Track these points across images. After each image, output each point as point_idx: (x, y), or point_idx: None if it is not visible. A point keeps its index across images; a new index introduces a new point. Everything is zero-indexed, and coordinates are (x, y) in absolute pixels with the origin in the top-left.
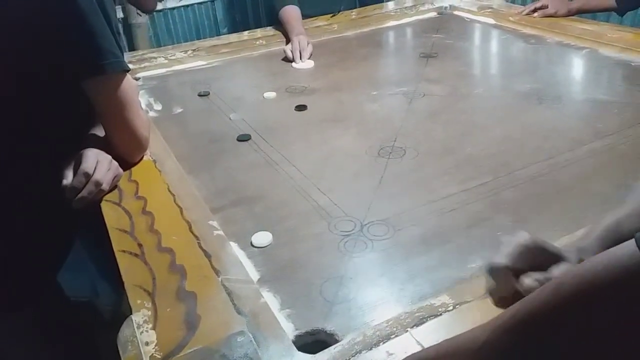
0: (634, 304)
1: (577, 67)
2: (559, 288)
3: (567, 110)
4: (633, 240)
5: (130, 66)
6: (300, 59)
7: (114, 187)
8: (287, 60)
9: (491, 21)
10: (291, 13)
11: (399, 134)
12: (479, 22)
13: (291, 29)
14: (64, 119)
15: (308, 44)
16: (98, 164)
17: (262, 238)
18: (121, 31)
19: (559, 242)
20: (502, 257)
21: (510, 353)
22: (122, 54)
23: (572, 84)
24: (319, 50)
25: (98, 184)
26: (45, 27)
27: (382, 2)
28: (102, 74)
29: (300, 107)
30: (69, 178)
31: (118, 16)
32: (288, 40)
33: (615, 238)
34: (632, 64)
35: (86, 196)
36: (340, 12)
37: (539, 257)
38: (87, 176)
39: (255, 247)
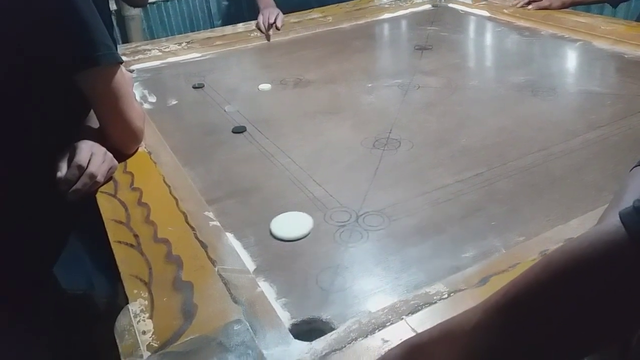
0: (620, 277)
1: (571, 59)
2: (548, 265)
3: (561, 101)
4: (617, 215)
5: (124, 58)
6: (269, 29)
7: (109, 179)
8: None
9: (485, 13)
10: None
11: (394, 125)
12: (473, 14)
13: (259, 3)
14: (58, 111)
15: (278, 14)
16: (92, 156)
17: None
18: (114, 23)
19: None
20: None
21: (502, 332)
22: (115, 46)
23: (566, 76)
24: (313, 42)
25: (92, 176)
26: (38, 19)
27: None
28: (95, 66)
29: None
30: (62, 170)
31: (111, 8)
32: None
33: None
34: (625, 56)
35: (80, 189)
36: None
37: None
38: (81, 168)
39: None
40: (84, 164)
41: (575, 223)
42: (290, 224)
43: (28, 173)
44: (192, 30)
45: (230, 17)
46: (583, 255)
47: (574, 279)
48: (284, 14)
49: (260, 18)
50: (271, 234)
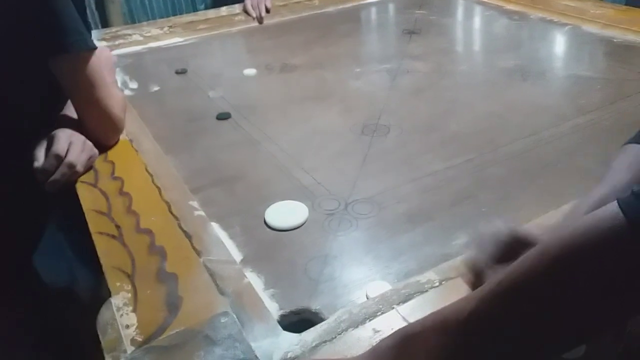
0: (619, 263)
1: (560, 43)
2: (544, 253)
3: (550, 86)
4: (615, 202)
5: (104, 43)
6: (260, 14)
7: (88, 168)
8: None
9: None
10: None
11: (383, 111)
12: None
13: None
14: (35, 97)
15: None
16: (71, 145)
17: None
18: (93, 7)
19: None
20: (480, 251)
21: (498, 320)
22: (90, 32)
23: (556, 60)
24: (299, 26)
25: (71, 166)
26: (9, 5)
27: None
28: (66, 52)
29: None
30: (40, 160)
31: None
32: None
33: None
34: (614, 40)
35: (59, 179)
36: None
37: (518, 250)
38: (59, 158)
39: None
40: (62, 154)
41: (567, 208)
42: (285, 213)
43: (5, 160)
44: (175, 15)
45: (214, 0)
46: (581, 242)
47: (571, 267)
48: None
49: (249, 1)
50: (265, 223)
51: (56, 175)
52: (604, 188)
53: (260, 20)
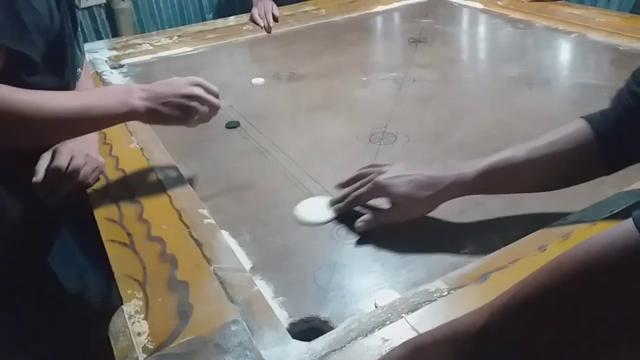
0: (631, 282)
1: (565, 51)
2: (557, 269)
3: (556, 94)
4: (631, 219)
5: (114, 53)
6: (268, 24)
7: (95, 179)
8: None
9: (479, 6)
10: None
11: (390, 119)
12: (467, 6)
13: None
14: None
15: (272, 6)
16: (72, 158)
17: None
18: (104, 17)
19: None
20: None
21: (508, 336)
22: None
23: (561, 68)
24: (306, 35)
25: (73, 179)
26: None
27: None
28: None
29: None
30: (39, 175)
31: (100, 2)
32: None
33: (503, 170)
34: (620, 47)
35: (60, 192)
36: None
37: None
38: (59, 172)
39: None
40: (63, 167)
41: (575, 217)
42: (316, 208)
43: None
44: (184, 24)
45: (222, 9)
46: (595, 260)
47: (586, 284)
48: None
49: (256, 10)
50: (297, 219)
51: (58, 189)
52: (520, 151)
53: (268, 29)
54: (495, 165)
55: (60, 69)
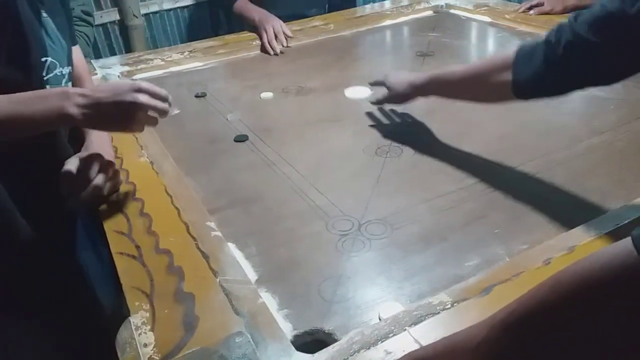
0: (633, 300)
1: None
2: (557, 286)
3: (563, 107)
4: (629, 238)
5: (127, 68)
6: (282, 45)
7: (114, 190)
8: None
9: (487, 19)
10: (244, 3)
11: (396, 132)
12: (474, 20)
13: (252, 16)
14: None
15: (281, 25)
16: (99, 165)
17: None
18: (117, 33)
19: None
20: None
21: (508, 351)
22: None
23: None
24: (315, 49)
25: (98, 188)
26: None
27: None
28: None
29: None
30: (70, 175)
31: (114, 18)
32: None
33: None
34: None
35: (85, 197)
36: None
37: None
38: (87, 179)
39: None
40: (92, 176)
41: (579, 230)
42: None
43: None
44: (195, 39)
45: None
46: (594, 278)
47: (585, 302)
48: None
49: (265, 36)
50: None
51: (83, 194)
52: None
53: (281, 50)
54: (437, 76)
55: (23, 58)
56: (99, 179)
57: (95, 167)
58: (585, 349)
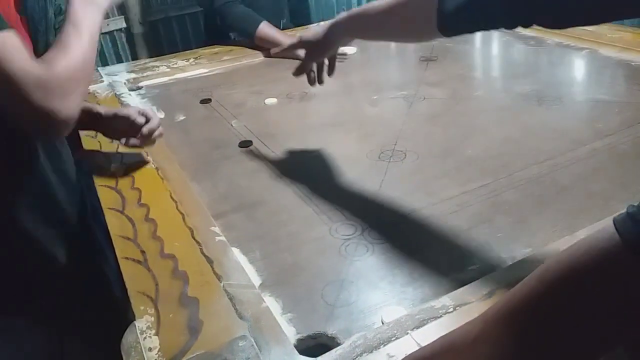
0: (615, 284)
1: (577, 67)
2: (544, 274)
3: (567, 110)
4: (612, 223)
5: (133, 75)
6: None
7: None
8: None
9: None
10: (267, 29)
11: (400, 137)
12: None
13: (274, 37)
14: None
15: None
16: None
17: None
18: (124, 40)
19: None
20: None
21: (502, 343)
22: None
23: (572, 84)
24: None
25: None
26: None
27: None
28: None
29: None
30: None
31: (120, 26)
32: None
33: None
34: (632, 63)
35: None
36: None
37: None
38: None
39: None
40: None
41: (583, 233)
42: None
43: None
44: (200, 46)
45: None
46: (578, 264)
47: (570, 288)
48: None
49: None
50: None
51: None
52: (375, 4)
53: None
54: (353, 11)
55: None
56: (151, 124)
57: (142, 118)
58: (575, 333)
